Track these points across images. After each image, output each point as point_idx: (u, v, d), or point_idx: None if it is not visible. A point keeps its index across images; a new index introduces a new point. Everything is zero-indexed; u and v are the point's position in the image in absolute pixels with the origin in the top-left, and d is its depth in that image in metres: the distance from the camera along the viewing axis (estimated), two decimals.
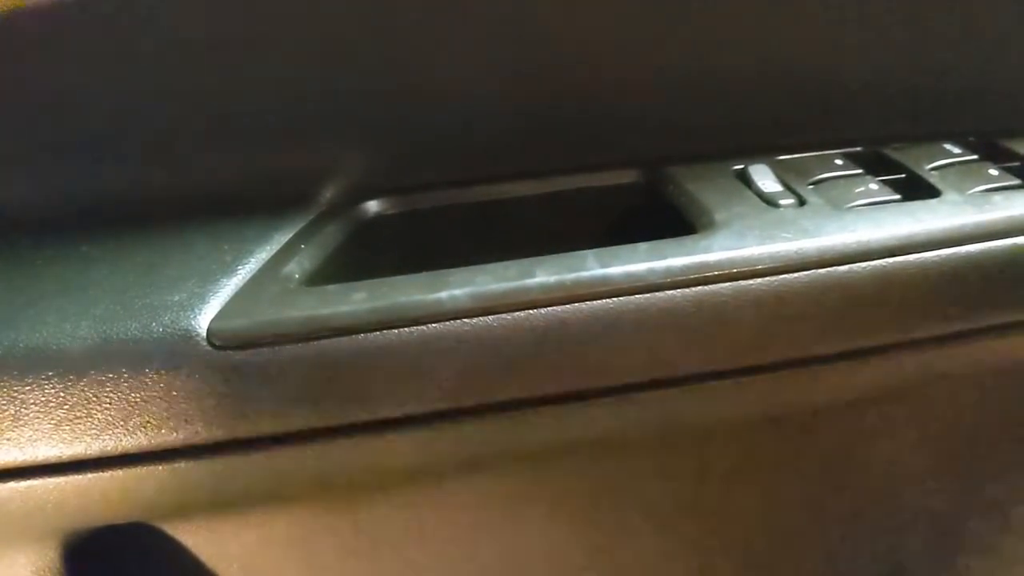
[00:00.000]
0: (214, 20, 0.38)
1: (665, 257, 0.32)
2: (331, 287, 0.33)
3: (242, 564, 0.38)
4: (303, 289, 0.34)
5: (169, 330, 0.31)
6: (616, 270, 0.32)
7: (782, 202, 0.36)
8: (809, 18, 0.41)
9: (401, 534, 0.39)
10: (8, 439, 0.30)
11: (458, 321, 0.31)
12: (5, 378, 0.30)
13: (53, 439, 0.30)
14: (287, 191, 0.41)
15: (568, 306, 0.31)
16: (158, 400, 0.30)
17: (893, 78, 0.42)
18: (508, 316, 0.31)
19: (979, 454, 0.42)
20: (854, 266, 0.32)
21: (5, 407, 0.30)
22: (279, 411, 0.31)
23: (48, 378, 0.30)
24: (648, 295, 0.32)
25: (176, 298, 0.32)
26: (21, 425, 0.30)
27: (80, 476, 0.31)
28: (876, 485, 0.42)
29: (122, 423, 0.30)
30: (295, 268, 0.35)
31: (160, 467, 0.31)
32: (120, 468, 0.31)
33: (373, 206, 0.42)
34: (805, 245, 0.32)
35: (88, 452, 0.31)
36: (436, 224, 0.43)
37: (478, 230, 0.43)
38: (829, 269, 0.32)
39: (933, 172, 0.38)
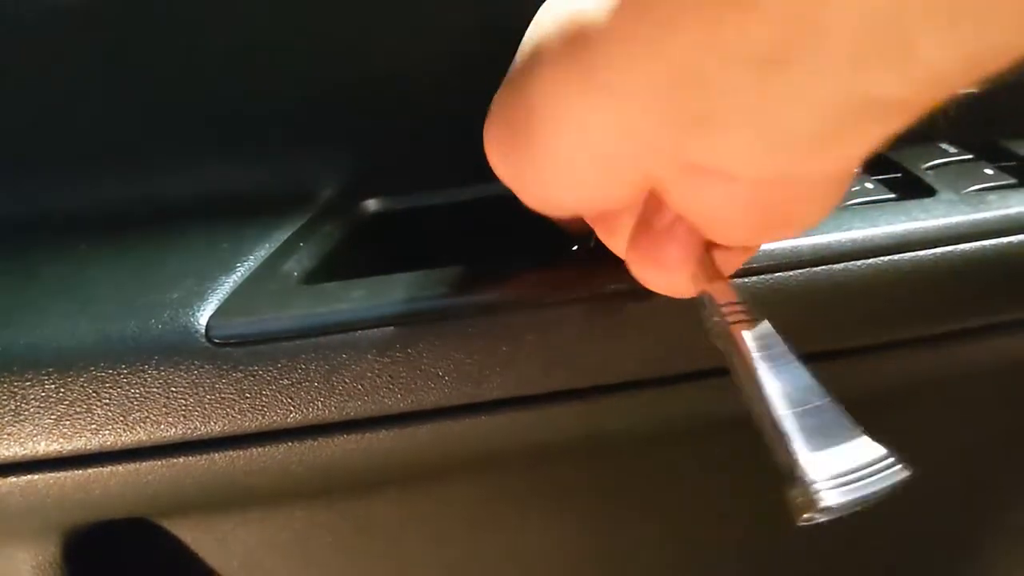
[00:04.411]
0: (214, 21, 0.38)
1: None
2: (330, 285, 0.33)
3: (242, 560, 0.39)
4: (302, 287, 0.34)
5: (168, 327, 0.31)
6: (613, 270, 0.32)
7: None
8: None
9: (401, 532, 0.39)
10: (8, 434, 0.31)
11: (458, 320, 0.31)
12: (5, 374, 0.30)
13: (53, 435, 0.31)
14: (286, 189, 0.41)
15: (568, 305, 0.32)
16: (157, 396, 0.30)
17: None
18: (507, 314, 0.31)
19: (975, 454, 0.43)
20: (849, 264, 0.32)
21: (5, 403, 0.30)
22: (277, 408, 0.31)
23: (48, 374, 0.30)
24: (645, 294, 0.32)
25: (175, 295, 0.33)
26: (21, 421, 0.30)
27: (80, 471, 0.32)
28: None
29: (121, 419, 0.30)
30: (294, 266, 0.35)
31: (159, 463, 0.32)
32: (119, 464, 0.32)
33: (372, 204, 0.42)
34: (799, 242, 0.33)
35: (88, 447, 0.31)
36: (436, 222, 0.43)
37: (478, 228, 0.43)
38: (824, 267, 0.32)
39: (928, 171, 0.39)
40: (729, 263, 0.26)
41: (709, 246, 0.25)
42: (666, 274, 0.25)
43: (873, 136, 0.18)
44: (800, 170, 0.20)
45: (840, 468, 0.19)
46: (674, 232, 0.24)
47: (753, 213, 0.22)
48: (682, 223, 0.24)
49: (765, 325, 0.23)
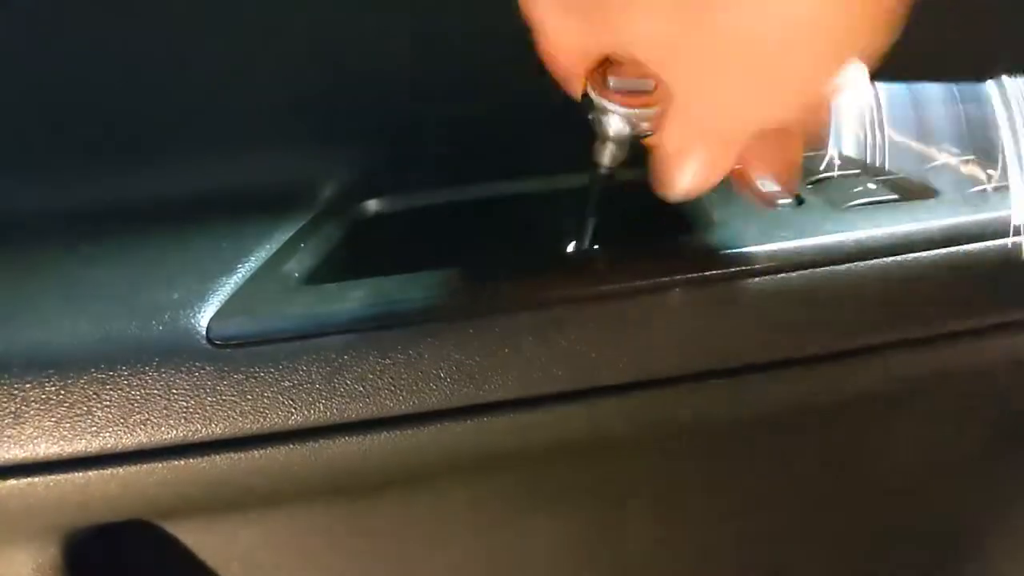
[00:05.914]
0: (215, 21, 0.38)
1: (663, 257, 0.33)
2: (330, 285, 0.33)
3: (242, 562, 0.38)
4: (302, 287, 0.34)
5: (169, 328, 0.31)
6: (613, 271, 0.32)
7: (780, 201, 0.37)
8: None
9: (402, 533, 0.39)
10: (8, 437, 0.31)
11: (458, 321, 0.31)
12: (5, 376, 0.30)
13: (53, 437, 0.31)
14: (287, 190, 0.41)
15: (568, 306, 0.31)
16: (157, 398, 0.30)
17: (890, 77, 0.42)
18: (508, 315, 0.31)
19: (978, 454, 0.43)
20: (852, 265, 0.32)
21: (6, 405, 0.30)
22: (278, 409, 0.31)
23: (48, 376, 0.30)
24: (646, 295, 0.32)
25: (176, 296, 0.33)
26: (22, 423, 0.30)
27: (80, 474, 0.31)
28: (876, 485, 0.42)
29: (122, 421, 0.30)
30: (294, 266, 0.35)
31: (159, 465, 0.31)
32: (120, 466, 0.31)
33: (373, 205, 0.42)
34: (803, 243, 0.33)
35: (88, 450, 0.31)
36: (436, 223, 0.43)
37: (478, 229, 0.43)
38: (828, 268, 0.32)
39: (930, 172, 0.39)
40: None
41: None
42: None
43: None
44: None
45: None
46: None
47: None
48: None
49: None
